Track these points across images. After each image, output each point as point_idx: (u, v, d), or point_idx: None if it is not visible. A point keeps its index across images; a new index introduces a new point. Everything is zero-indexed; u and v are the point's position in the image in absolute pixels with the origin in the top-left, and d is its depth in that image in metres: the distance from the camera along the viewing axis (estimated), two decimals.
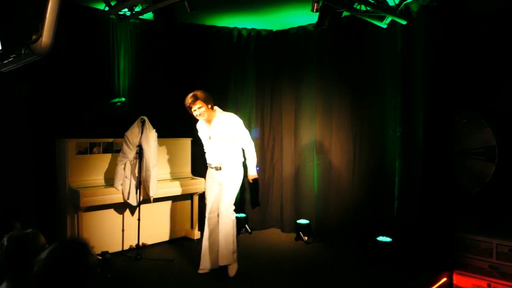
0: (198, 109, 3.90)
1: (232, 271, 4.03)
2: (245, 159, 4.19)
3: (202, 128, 4.17)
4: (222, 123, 4.01)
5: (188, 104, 3.92)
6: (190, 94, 3.92)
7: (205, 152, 4.20)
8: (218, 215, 4.05)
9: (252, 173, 4.26)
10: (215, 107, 4.05)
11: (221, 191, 4.03)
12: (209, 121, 4.04)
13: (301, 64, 5.50)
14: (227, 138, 3.99)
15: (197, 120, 4.11)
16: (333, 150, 5.13)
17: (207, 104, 3.91)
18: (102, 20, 4.75)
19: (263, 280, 4.00)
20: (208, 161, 4.14)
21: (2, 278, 1.78)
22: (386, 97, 4.65)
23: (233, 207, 4.06)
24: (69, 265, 1.48)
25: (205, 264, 4.08)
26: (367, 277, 4.11)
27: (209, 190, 4.14)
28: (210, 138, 4.06)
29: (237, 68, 5.69)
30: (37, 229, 1.88)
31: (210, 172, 4.14)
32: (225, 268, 4.04)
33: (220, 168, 4.03)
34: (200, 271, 4.07)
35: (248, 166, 4.22)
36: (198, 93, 3.90)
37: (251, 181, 4.37)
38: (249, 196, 5.73)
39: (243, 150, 4.16)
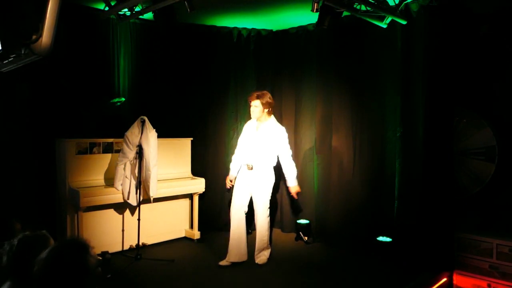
0: (255, 107, 4.28)
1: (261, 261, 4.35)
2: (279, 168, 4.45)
3: (249, 128, 4.44)
4: (272, 129, 4.33)
5: (249, 98, 4.35)
6: (258, 92, 4.34)
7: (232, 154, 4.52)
8: (243, 212, 4.33)
9: (293, 184, 4.42)
10: (272, 116, 4.41)
11: (256, 194, 4.30)
12: (260, 122, 4.37)
13: (301, 64, 5.50)
14: (271, 144, 4.29)
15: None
16: (333, 150, 5.13)
17: (263, 107, 4.27)
18: (102, 20, 4.74)
19: (263, 280, 4.00)
20: (243, 161, 4.37)
21: (6, 277, 1.78)
22: (386, 97, 4.65)
23: (268, 210, 4.36)
24: (69, 265, 1.48)
25: (230, 257, 4.28)
26: (367, 277, 4.11)
27: (238, 189, 4.38)
28: (256, 138, 4.31)
29: (237, 68, 5.68)
30: (37, 229, 1.88)
31: (243, 172, 4.39)
32: (241, 263, 4.30)
33: (252, 168, 4.27)
34: (221, 263, 4.26)
35: (288, 178, 4.42)
36: (263, 93, 4.30)
37: (295, 196, 4.52)
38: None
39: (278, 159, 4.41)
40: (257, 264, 4.31)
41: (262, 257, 4.36)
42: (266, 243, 4.40)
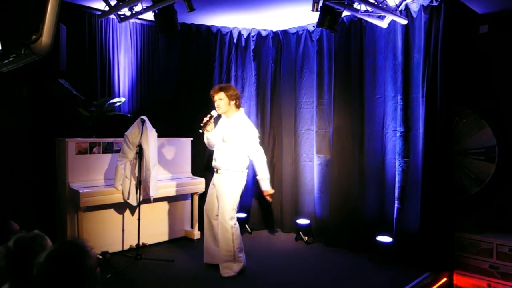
0: (219, 100, 3.97)
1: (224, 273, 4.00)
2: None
3: (220, 126, 4.14)
4: (235, 125, 3.99)
5: (212, 92, 4.02)
6: (221, 85, 4.07)
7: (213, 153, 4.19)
8: (210, 218, 4.12)
9: (266, 188, 4.09)
10: (241, 110, 4.08)
11: (219, 200, 4.00)
12: (228, 117, 4.07)
13: (301, 64, 5.50)
14: (238, 143, 3.94)
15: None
16: (333, 150, 5.12)
17: (229, 99, 3.95)
18: (102, 20, 4.74)
19: (263, 280, 4.00)
20: (212, 162, 4.14)
21: (4, 279, 1.78)
22: (386, 97, 4.65)
23: (231, 216, 3.93)
24: (68, 268, 1.47)
25: (205, 257, 4.22)
26: (367, 277, 4.11)
27: (209, 192, 4.20)
28: (222, 138, 4.03)
29: (237, 68, 5.69)
30: (37, 229, 1.88)
31: (214, 174, 4.14)
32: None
33: (217, 171, 4.05)
34: (205, 261, 4.22)
35: (260, 182, 4.11)
36: (225, 86, 4.04)
37: (269, 198, 4.16)
38: (249, 196, 5.73)
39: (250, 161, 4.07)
40: (221, 275, 3.95)
41: (226, 269, 3.95)
42: (233, 255, 3.93)
